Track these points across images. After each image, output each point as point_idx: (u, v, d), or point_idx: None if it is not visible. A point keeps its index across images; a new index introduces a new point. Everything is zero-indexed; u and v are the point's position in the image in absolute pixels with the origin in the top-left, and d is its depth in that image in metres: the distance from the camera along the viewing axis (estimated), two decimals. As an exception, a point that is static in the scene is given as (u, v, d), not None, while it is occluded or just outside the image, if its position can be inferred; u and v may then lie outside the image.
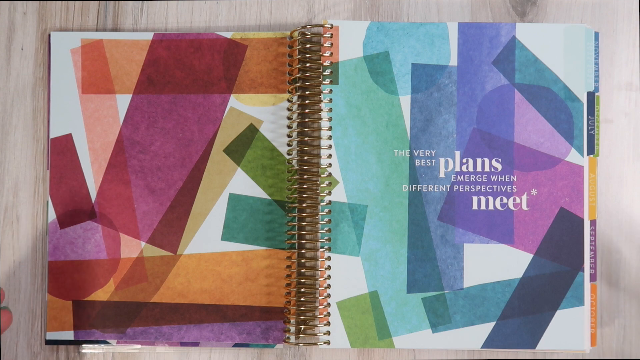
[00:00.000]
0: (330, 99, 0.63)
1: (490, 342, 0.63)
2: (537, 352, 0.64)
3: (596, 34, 0.65)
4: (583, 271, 0.63)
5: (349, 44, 0.64)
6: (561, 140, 0.63)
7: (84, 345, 0.64)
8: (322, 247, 0.62)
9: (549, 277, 0.63)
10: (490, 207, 0.63)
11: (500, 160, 0.63)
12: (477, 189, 0.63)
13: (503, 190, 0.63)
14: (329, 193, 0.63)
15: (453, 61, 0.64)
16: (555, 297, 0.63)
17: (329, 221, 0.63)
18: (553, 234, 0.63)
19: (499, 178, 0.63)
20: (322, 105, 0.63)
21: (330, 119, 0.63)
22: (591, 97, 0.64)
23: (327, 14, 0.66)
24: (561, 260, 0.63)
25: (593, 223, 0.64)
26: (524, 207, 0.63)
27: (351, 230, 0.63)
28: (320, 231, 0.62)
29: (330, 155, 0.63)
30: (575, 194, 0.63)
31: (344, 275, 0.63)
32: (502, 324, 0.63)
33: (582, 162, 0.63)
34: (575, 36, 0.63)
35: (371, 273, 0.63)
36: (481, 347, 0.63)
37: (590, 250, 0.64)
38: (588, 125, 0.64)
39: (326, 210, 0.63)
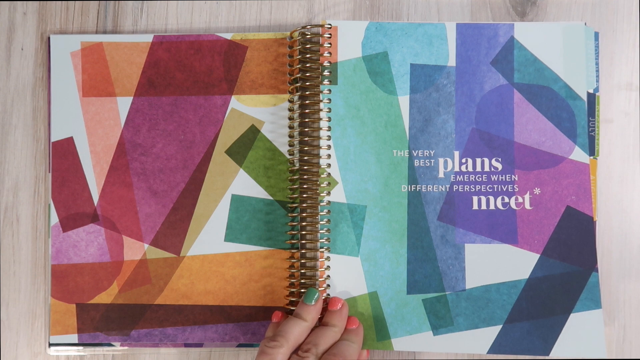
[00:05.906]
0: (329, 99, 0.63)
1: (498, 347, 0.62)
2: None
3: (596, 34, 0.64)
4: (597, 271, 0.62)
5: (348, 44, 0.63)
6: (564, 138, 0.63)
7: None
8: (321, 247, 0.62)
9: (559, 277, 0.62)
10: (492, 206, 0.63)
11: (500, 159, 0.63)
12: (477, 188, 0.63)
13: (504, 189, 0.63)
14: (329, 193, 0.63)
15: (451, 61, 0.63)
16: (568, 299, 0.62)
17: (328, 221, 0.62)
18: (560, 233, 0.62)
19: (500, 177, 0.63)
20: (321, 105, 0.63)
21: (329, 119, 0.63)
22: (591, 98, 0.63)
23: (327, 14, 0.66)
24: (571, 260, 0.62)
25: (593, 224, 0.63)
26: (527, 206, 0.63)
27: (350, 230, 0.63)
28: (320, 231, 0.62)
29: (329, 156, 0.63)
30: (582, 192, 0.62)
31: (344, 276, 0.63)
32: (509, 327, 0.62)
33: (587, 160, 0.63)
34: (574, 35, 0.63)
35: (371, 273, 0.63)
36: (487, 352, 0.62)
37: None
38: (588, 126, 0.63)
39: (325, 210, 0.62)
